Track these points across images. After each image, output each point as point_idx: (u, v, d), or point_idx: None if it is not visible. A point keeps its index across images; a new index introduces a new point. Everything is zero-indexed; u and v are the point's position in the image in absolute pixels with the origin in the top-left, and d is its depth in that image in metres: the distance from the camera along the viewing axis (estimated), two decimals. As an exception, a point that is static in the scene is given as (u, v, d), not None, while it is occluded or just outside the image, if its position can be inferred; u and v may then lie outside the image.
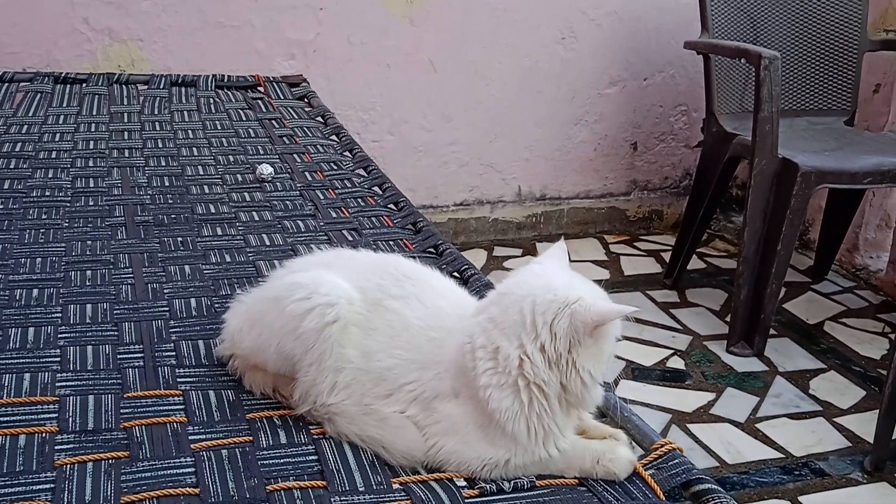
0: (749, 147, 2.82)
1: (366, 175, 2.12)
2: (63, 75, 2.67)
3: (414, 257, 1.56)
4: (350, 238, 1.74)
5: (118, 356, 1.28)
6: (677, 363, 2.81)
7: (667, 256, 3.53)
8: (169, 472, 1.04)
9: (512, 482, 1.06)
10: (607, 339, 1.07)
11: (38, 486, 1.00)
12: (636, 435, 1.17)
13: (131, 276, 1.53)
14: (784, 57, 2.95)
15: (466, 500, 1.03)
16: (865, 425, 2.49)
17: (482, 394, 1.05)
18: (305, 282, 1.16)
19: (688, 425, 2.48)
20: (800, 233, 2.94)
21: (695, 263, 3.45)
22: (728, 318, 3.02)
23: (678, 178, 3.97)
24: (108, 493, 0.99)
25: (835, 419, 2.55)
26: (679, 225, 3.59)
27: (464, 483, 1.06)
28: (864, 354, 2.93)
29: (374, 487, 1.04)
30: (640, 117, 3.80)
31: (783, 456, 2.37)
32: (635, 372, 2.73)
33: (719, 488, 1.04)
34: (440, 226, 3.59)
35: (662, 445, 1.11)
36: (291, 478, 1.05)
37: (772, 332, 2.93)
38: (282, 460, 1.08)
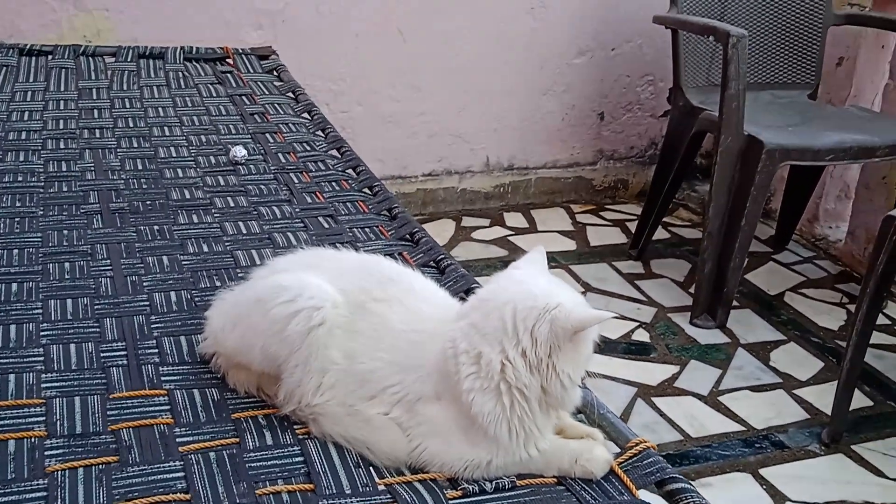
0: (715, 122, 2.86)
1: (339, 156, 2.13)
2: (28, 47, 2.62)
3: (392, 253, 1.59)
4: (326, 225, 1.75)
5: (101, 354, 1.28)
6: (642, 336, 2.87)
7: (632, 226, 3.58)
8: (159, 476, 1.05)
9: (493, 482, 1.09)
10: (586, 343, 1.12)
11: (31, 495, 1.01)
12: (612, 433, 1.21)
13: (110, 268, 1.52)
14: (750, 30, 2.98)
15: (450, 501, 1.06)
16: (823, 397, 2.57)
17: (465, 397, 1.08)
18: (290, 284, 1.17)
19: (653, 399, 2.54)
20: (762, 204, 3.00)
21: (659, 233, 3.50)
22: (692, 290, 3.09)
23: (644, 147, 4.01)
24: (101, 500, 1.01)
25: (794, 391, 2.64)
26: (644, 193, 3.64)
27: (447, 484, 1.10)
28: (823, 325, 3.02)
29: (361, 489, 1.07)
30: (607, 87, 3.83)
31: (744, 429, 2.45)
32: (602, 345, 2.78)
33: (692, 486, 1.08)
34: (409, 196, 3.60)
35: (637, 444, 1.16)
36: (280, 481, 1.07)
37: (734, 303, 3.00)
38: (269, 462, 1.10)
